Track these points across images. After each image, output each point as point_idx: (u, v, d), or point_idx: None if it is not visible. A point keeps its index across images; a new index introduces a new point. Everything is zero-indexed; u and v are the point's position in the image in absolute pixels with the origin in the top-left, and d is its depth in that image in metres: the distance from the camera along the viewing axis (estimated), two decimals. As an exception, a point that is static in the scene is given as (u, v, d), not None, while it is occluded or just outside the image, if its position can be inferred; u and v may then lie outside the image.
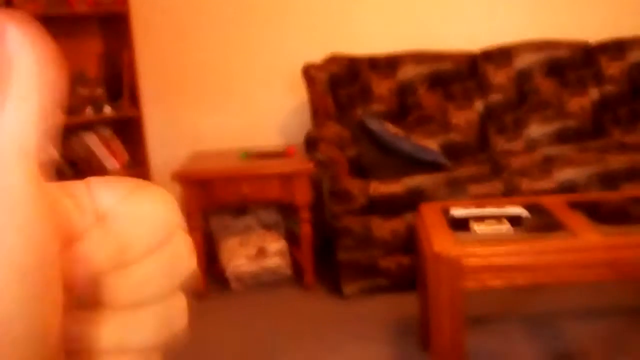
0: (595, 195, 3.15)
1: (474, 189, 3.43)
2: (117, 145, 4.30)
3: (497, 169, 3.65)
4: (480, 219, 2.53)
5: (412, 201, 3.39)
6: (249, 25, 4.33)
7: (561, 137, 4.04)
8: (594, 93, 4.11)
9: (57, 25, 4.20)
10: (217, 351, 3.04)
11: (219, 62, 4.37)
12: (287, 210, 3.99)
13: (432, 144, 3.84)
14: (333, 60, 4.03)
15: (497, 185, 3.45)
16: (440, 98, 4.08)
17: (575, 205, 2.65)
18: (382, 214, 3.45)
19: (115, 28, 4.25)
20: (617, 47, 4.15)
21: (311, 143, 3.56)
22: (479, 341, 2.98)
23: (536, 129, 4.05)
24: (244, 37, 4.35)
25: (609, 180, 3.45)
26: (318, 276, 3.75)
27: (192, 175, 3.61)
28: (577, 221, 2.45)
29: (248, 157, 3.84)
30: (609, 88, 4.12)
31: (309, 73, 3.89)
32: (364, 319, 3.28)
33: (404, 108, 4.07)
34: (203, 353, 3.03)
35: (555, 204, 2.70)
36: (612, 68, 4.13)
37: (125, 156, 4.32)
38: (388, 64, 4.09)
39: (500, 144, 4.05)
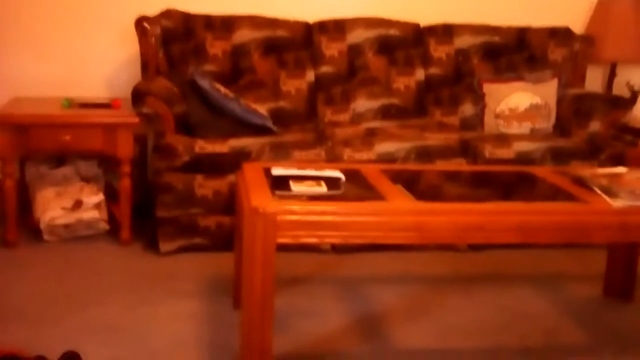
0: (410, 166, 3.28)
1: (298, 154, 3.49)
2: None
3: (322, 138, 3.73)
4: (300, 179, 2.58)
5: (236, 162, 3.39)
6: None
7: (385, 113, 4.18)
8: (420, 74, 4.27)
9: None
10: (27, 302, 2.93)
11: (50, 7, 4.17)
12: (108, 163, 3.89)
13: (261, 109, 3.86)
14: (168, 14, 3.95)
15: (320, 153, 3.52)
16: (273, 64, 4.11)
17: (390, 174, 2.76)
18: (206, 173, 3.44)
19: None
20: (445, 32, 4.32)
21: (138, 96, 3.47)
22: (289, 301, 3.05)
23: (362, 104, 4.17)
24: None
25: (424, 155, 3.62)
26: (136, 232, 3.69)
27: (7, 119, 3.43)
28: (389, 188, 2.55)
29: (71, 106, 3.70)
30: (435, 70, 4.30)
31: (142, 25, 3.79)
32: (179, 276, 3.26)
33: (236, 71, 4.06)
34: (12, 303, 2.91)
35: (371, 171, 2.79)
36: (439, 51, 4.32)
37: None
38: (224, 25, 4.05)
39: (328, 114, 4.14)
